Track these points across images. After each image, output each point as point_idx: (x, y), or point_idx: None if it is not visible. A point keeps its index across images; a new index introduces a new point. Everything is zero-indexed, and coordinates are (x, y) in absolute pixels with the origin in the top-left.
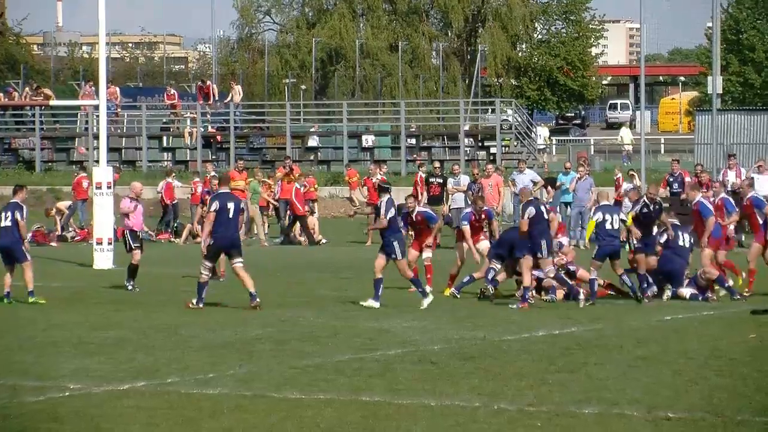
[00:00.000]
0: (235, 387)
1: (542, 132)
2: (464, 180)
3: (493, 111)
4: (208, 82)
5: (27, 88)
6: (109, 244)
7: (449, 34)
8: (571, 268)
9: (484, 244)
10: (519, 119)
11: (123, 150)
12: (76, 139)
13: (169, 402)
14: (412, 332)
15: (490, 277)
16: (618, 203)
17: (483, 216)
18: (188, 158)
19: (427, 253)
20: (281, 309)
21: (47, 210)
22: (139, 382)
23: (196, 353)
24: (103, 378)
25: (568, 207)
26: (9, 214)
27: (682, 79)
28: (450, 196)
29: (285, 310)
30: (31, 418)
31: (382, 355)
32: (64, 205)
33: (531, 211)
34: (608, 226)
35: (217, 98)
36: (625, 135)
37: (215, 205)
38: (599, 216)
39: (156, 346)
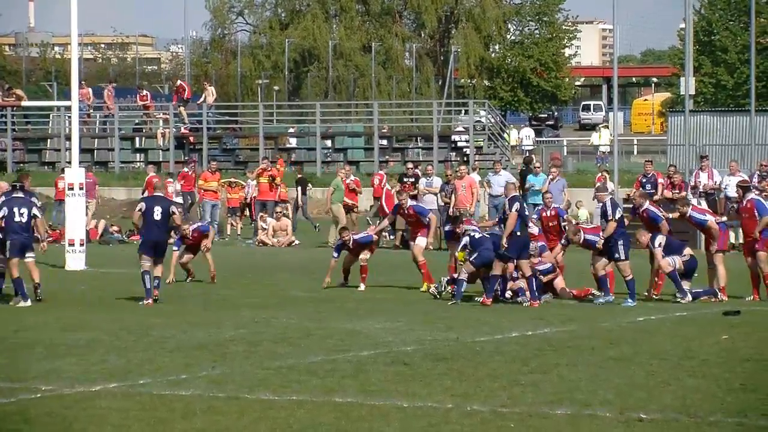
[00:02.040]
0: (208, 388)
1: (528, 133)
2: (437, 181)
3: (466, 112)
4: (180, 82)
5: None
6: (81, 245)
7: (422, 35)
8: (541, 268)
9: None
10: (492, 120)
11: (95, 151)
12: (48, 140)
13: (142, 403)
14: (385, 333)
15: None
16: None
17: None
18: (161, 159)
19: (364, 255)
20: (254, 310)
21: None
22: (111, 383)
23: (168, 354)
24: (74, 379)
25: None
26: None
27: (655, 80)
28: (422, 196)
29: (258, 311)
30: (2, 420)
31: (355, 356)
32: None
33: (517, 205)
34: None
35: (190, 99)
36: (604, 135)
37: (141, 206)
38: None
39: (128, 348)
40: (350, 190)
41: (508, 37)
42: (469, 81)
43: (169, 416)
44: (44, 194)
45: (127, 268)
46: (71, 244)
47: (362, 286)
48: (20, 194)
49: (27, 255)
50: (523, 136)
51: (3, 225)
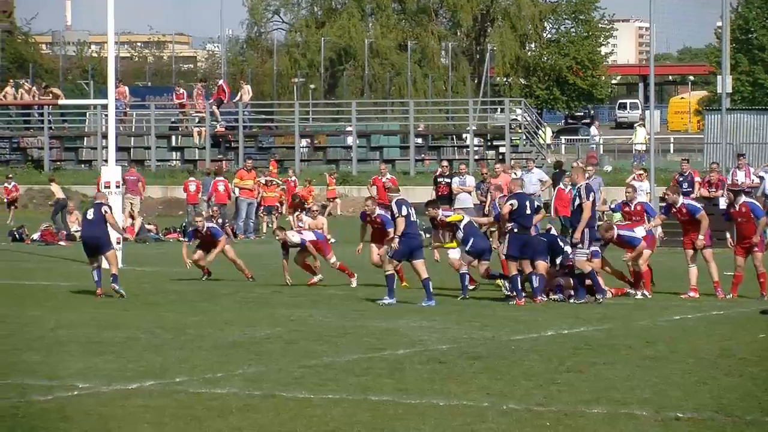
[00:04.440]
0: (244, 386)
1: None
2: (470, 180)
3: (502, 110)
4: (221, 83)
5: (35, 88)
6: (118, 243)
7: (458, 33)
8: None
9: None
10: (528, 119)
11: (132, 149)
12: (84, 139)
13: (178, 401)
14: (421, 332)
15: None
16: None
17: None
18: (197, 157)
19: (333, 258)
20: (290, 308)
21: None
22: (147, 381)
23: (204, 353)
24: (111, 377)
25: None
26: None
27: (692, 78)
28: (456, 195)
29: (294, 309)
30: (40, 418)
31: (391, 354)
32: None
33: (514, 203)
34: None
35: (228, 100)
36: (640, 134)
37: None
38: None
39: (164, 346)
40: (385, 189)
41: (544, 35)
42: (504, 79)
43: (205, 414)
44: (81, 192)
45: (163, 266)
46: None
47: (354, 282)
48: None
49: None
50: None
51: None
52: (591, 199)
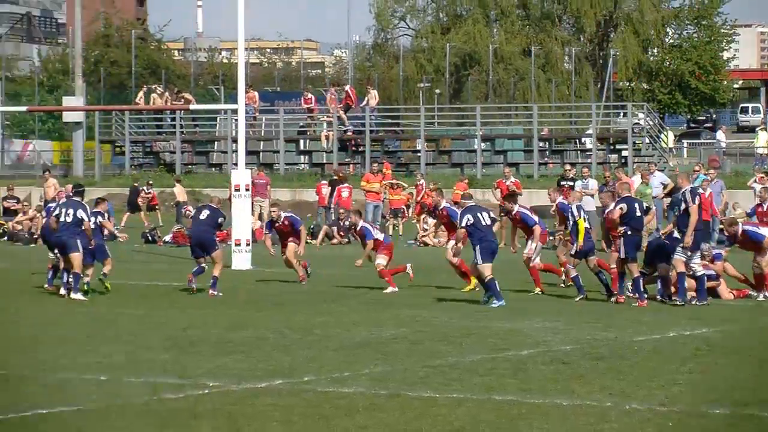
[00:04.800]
0: (371, 386)
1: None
2: (593, 183)
3: (624, 115)
4: (348, 89)
5: (167, 93)
6: (248, 245)
7: (581, 38)
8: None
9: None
10: (650, 123)
11: (261, 153)
12: (215, 143)
13: (306, 400)
14: (544, 333)
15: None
16: None
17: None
18: (325, 161)
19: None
20: (416, 309)
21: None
22: (276, 380)
23: (332, 352)
24: (241, 376)
25: None
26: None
27: None
28: (578, 199)
29: (419, 310)
30: (171, 415)
31: (515, 355)
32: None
33: (623, 207)
34: None
35: (355, 105)
36: (761, 137)
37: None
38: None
39: (292, 346)
40: (509, 191)
41: (667, 40)
42: (627, 84)
43: (333, 413)
44: (210, 195)
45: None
46: (237, 244)
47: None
48: (76, 199)
49: (71, 252)
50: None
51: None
52: (697, 203)
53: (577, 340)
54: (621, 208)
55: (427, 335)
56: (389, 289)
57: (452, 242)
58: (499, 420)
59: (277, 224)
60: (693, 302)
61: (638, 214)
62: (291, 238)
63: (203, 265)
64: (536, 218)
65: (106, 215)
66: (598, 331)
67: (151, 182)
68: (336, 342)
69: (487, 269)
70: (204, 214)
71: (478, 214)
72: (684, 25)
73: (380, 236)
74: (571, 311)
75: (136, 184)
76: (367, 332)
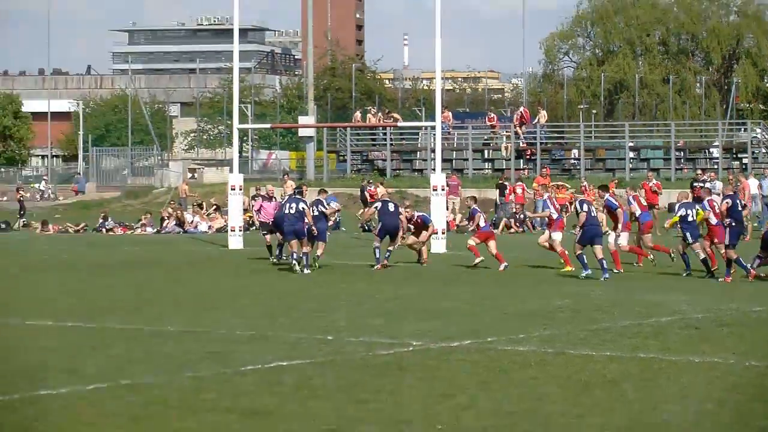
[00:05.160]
0: (540, 345)
1: None
2: (718, 185)
3: (745, 130)
4: (522, 109)
5: (380, 113)
6: (443, 233)
7: (710, 69)
8: None
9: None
10: (766, 136)
11: (453, 160)
12: (417, 152)
13: (489, 356)
14: (681, 304)
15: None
16: None
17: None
18: (504, 167)
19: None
20: (578, 286)
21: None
22: (465, 340)
23: (508, 318)
24: (438, 337)
25: None
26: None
27: None
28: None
29: (582, 287)
30: (383, 368)
31: (656, 321)
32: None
33: (729, 202)
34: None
35: (528, 122)
36: None
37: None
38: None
39: (479, 313)
40: (652, 191)
41: None
42: (747, 105)
43: (510, 367)
44: (414, 194)
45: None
46: (435, 233)
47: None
48: (297, 196)
49: (300, 237)
50: None
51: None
52: None
53: (707, 309)
54: (727, 203)
55: (585, 306)
56: (566, 269)
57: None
58: (643, 372)
59: (411, 221)
60: None
61: (739, 208)
62: (422, 231)
63: (390, 248)
64: (617, 204)
65: (325, 202)
66: (725, 302)
67: (371, 181)
68: (511, 310)
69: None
70: (392, 207)
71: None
72: None
73: (555, 215)
74: (702, 287)
75: (363, 184)
76: (537, 303)
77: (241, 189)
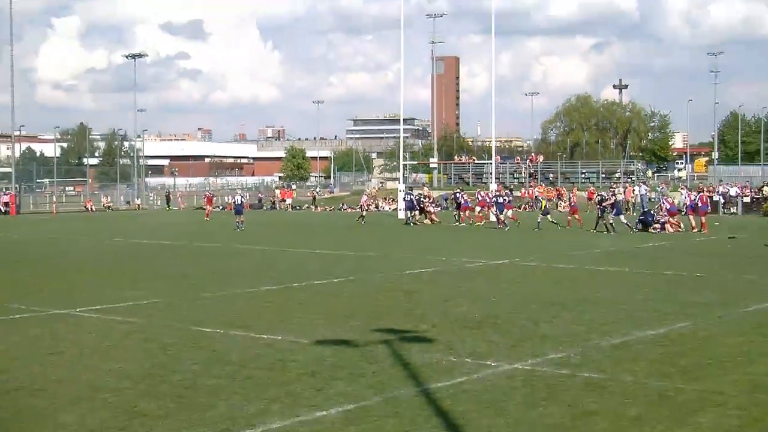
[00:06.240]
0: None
1: None
2: (620, 190)
3: (632, 164)
4: (532, 154)
5: (465, 156)
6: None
7: (617, 136)
8: None
9: None
10: (641, 168)
11: (500, 177)
12: (483, 175)
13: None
14: None
15: None
16: None
17: None
18: (520, 182)
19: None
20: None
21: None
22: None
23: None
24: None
25: None
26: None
27: None
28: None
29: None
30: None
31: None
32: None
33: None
34: None
35: None
36: None
37: None
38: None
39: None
40: (591, 193)
41: None
42: (634, 153)
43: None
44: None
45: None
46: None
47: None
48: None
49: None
50: None
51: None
52: None
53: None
54: (615, 198)
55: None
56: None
57: None
58: None
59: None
60: None
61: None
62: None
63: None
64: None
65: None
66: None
67: (462, 189)
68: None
69: None
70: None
71: None
72: None
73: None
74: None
75: (455, 191)
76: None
77: (403, 191)
